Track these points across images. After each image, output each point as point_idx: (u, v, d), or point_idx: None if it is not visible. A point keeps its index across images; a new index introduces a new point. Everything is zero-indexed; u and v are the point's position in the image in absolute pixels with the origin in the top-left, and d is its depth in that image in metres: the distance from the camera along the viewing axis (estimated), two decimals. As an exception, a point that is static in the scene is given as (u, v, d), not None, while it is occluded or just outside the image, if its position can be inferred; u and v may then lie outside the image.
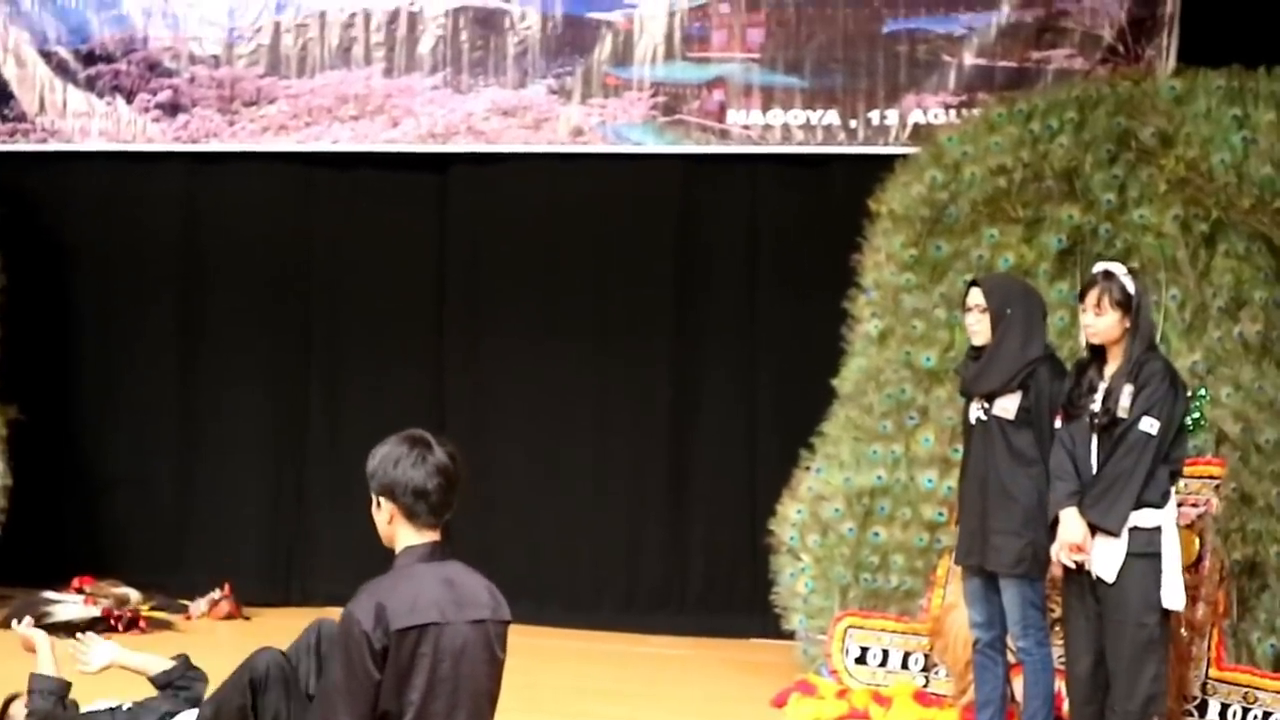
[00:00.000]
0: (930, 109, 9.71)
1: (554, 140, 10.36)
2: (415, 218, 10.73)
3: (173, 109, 10.87)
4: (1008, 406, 6.68)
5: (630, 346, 10.30)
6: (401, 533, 4.62)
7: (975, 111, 9.03)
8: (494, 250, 10.56)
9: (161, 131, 10.87)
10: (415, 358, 10.71)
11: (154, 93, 10.89)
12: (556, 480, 10.38)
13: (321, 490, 10.79)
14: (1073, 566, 6.17)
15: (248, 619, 10.27)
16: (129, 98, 10.90)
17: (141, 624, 9.66)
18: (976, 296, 6.80)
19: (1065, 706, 6.74)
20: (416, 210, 10.72)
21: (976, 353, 6.85)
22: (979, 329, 6.79)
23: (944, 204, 8.40)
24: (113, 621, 9.36)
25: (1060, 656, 6.87)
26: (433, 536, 4.63)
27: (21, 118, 11.02)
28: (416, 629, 4.48)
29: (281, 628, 9.89)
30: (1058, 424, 6.41)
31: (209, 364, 10.97)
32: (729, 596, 10.13)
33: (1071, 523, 6.15)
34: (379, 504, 4.62)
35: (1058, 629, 6.98)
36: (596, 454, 10.34)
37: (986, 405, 6.74)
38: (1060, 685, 6.83)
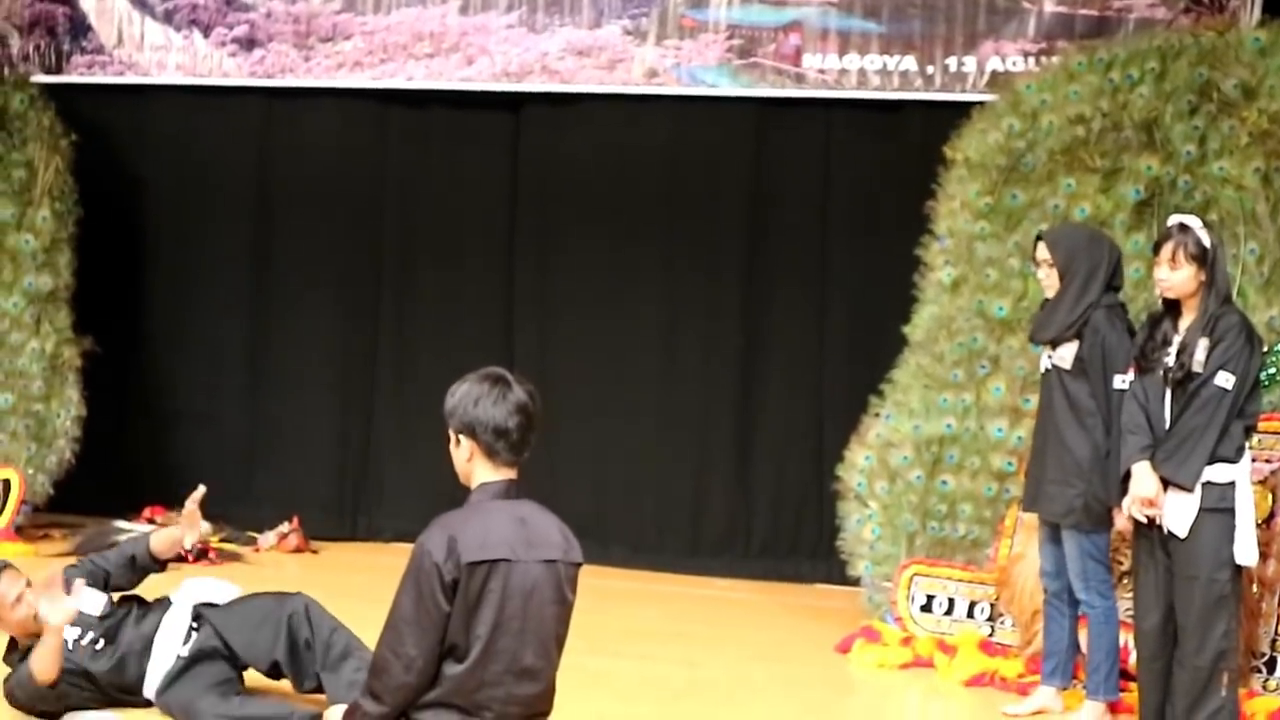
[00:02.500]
0: (1009, 56, 9.60)
1: (628, 81, 10.31)
2: (488, 157, 10.71)
3: (249, 44, 10.90)
4: (1065, 355, 6.76)
5: (700, 290, 10.27)
6: (479, 470, 4.64)
7: (1054, 60, 8.91)
8: (565, 191, 10.55)
9: (237, 66, 10.91)
10: (485, 297, 10.72)
11: (230, 27, 10.92)
12: (624, 422, 10.37)
13: (389, 427, 10.85)
14: (1144, 521, 6.13)
15: (315, 553, 10.34)
16: (206, 31, 10.93)
17: (211, 555, 9.72)
18: (1043, 251, 6.89)
19: (1132, 660, 6.72)
20: (489, 149, 10.71)
21: (1048, 303, 6.92)
22: (1049, 282, 6.89)
23: (1021, 152, 8.32)
24: (182, 553, 9.38)
25: (1128, 610, 6.85)
26: (510, 474, 4.65)
27: (99, 50, 11.08)
28: (487, 564, 4.51)
29: (349, 562, 10.04)
30: (1130, 377, 6.36)
31: (279, 299, 11.03)
32: (794, 541, 10.12)
33: (1144, 477, 6.10)
34: (458, 441, 4.64)
35: (1126, 582, 6.96)
36: (664, 397, 10.33)
37: (1051, 354, 6.83)
38: (1127, 638, 6.82)
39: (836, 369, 9.97)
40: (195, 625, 6.42)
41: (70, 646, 6.29)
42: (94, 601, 6.40)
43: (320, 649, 6.12)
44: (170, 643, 6.35)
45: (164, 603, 6.55)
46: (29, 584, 6.33)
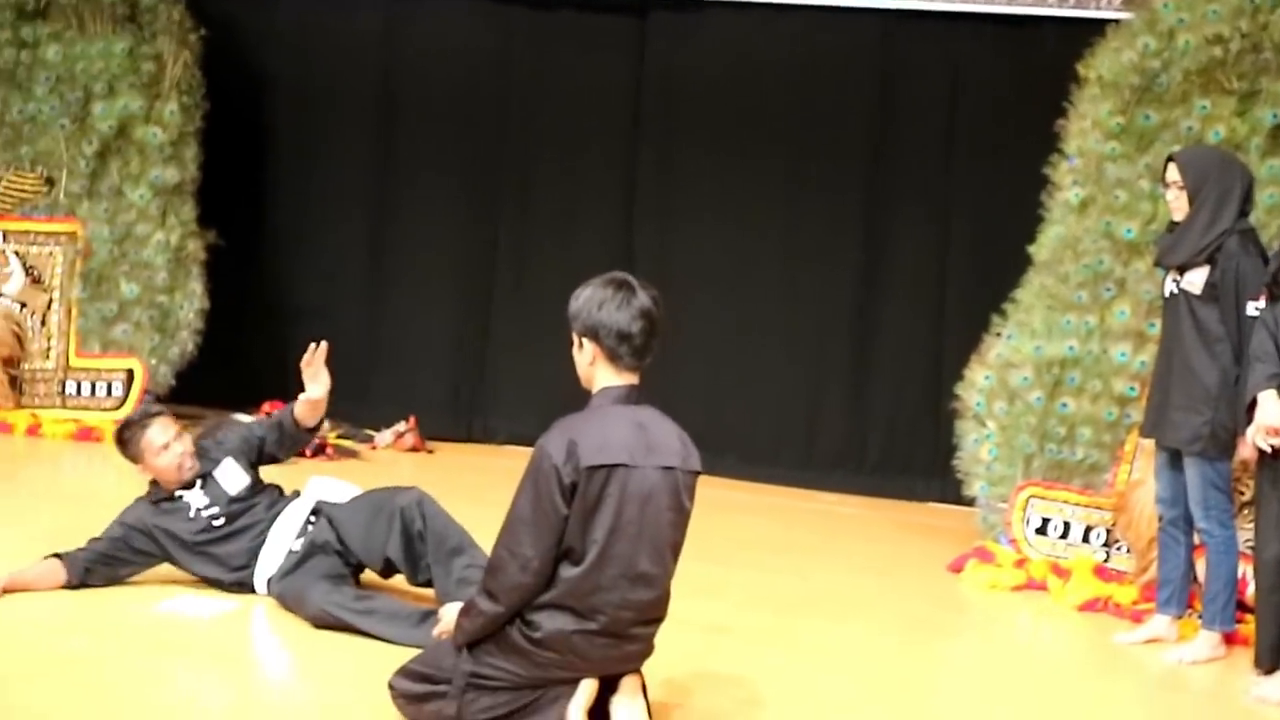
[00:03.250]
0: (1146, -27, 9.41)
1: (757, -11, 10.24)
2: (613, 61, 10.70)
3: (376, -58, 10.91)
4: (1194, 280, 6.63)
5: (822, 202, 10.22)
6: (601, 374, 4.65)
7: (1193, -22, 8.73)
8: (689, 98, 10.51)
9: (364, -35, 10.93)
10: (605, 204, 10.73)
11: (359, -75, 10.94)
12: (742, 333, 10.38)
13: (506, 330, 10.91)
14: (1268, 450, 6.04)
15: (431, 452, 10.44)
16: (335, -72, 10.96)
17: (329, 451, 9.85)
18: (1174, 173, 6.74)
19: (1249, 591, 6.65)
20: (614, 54, 10.69)
21: (1175, 225, 6.79)
22: (1178, 205, 6.75)
23: (1155, 72, 8.14)
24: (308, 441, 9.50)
25: (1247, 540, 6.76)
26: (631, 379, 4.66)
27: (228, -55, 11.11)
28: (605, 468, 4.53)
29: (464, 463, 10.12)
30: (1260, 304, 6.25)
31: (400, 199, 11.09)
32: (909, 459, 10.12)
33: (1270, 405, 6.01)
34: (581, 345, 4.65)
35: (1247, 512, 6.87)
36: (783, 309, 10.31)
37: (1178, 279, 6.69)
38: (1245, 569, 6.74)
39: (958, 286, 9.91)
40: (311, 520, 6.49)
41: (192, 514, 6.41)
42: (235, 479, 6.51)
43: (433, 541, 6.15)
44: (285, 536, 6.43)
45: (292, 496, 6.64)
46: (178, 434, 6.49)
